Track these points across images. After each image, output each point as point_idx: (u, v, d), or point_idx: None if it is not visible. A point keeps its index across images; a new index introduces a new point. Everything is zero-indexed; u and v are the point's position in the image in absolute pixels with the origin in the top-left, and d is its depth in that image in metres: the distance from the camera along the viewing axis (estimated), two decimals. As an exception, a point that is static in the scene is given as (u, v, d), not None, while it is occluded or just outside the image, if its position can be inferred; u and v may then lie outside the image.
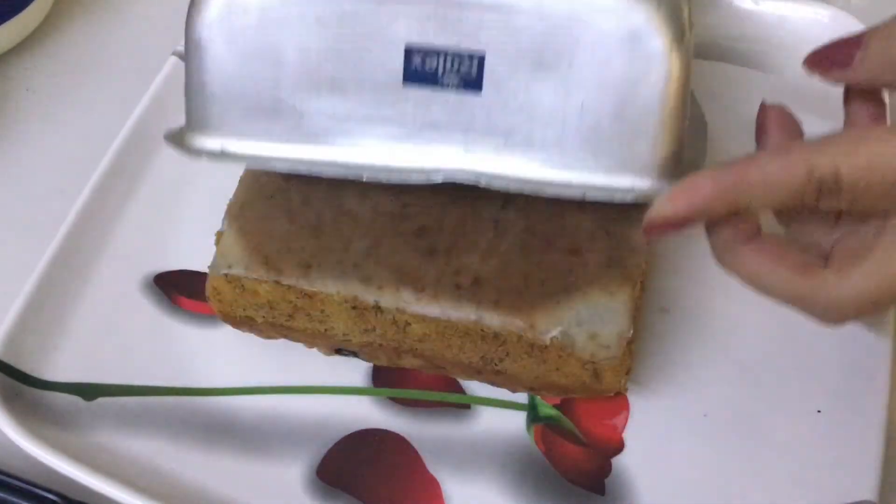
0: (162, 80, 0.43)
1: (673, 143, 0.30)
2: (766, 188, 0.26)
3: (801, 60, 0.45)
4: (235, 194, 0.35)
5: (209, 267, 0.34)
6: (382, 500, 0.33)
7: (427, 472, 0.34)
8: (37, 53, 0.50)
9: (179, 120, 0.44)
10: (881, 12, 0.49)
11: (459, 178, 0.30)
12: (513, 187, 0.30)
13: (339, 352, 0.36)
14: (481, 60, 0.29)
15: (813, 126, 0.42)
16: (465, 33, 0.29)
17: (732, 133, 0.42)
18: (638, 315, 0.32)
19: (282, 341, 0.36)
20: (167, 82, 0.44)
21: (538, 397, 0.35)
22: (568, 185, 0.30)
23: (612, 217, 0.33)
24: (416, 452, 0.34)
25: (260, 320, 0.34)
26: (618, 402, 0.35)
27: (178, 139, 0.33)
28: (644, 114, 0.30)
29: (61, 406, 0.35)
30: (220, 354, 0.37)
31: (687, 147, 0.31)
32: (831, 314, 0.27)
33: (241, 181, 0.36)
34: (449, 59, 0.29)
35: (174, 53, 0.45)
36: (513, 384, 0.34)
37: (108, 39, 0.50)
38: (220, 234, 0.35)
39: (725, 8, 0.46)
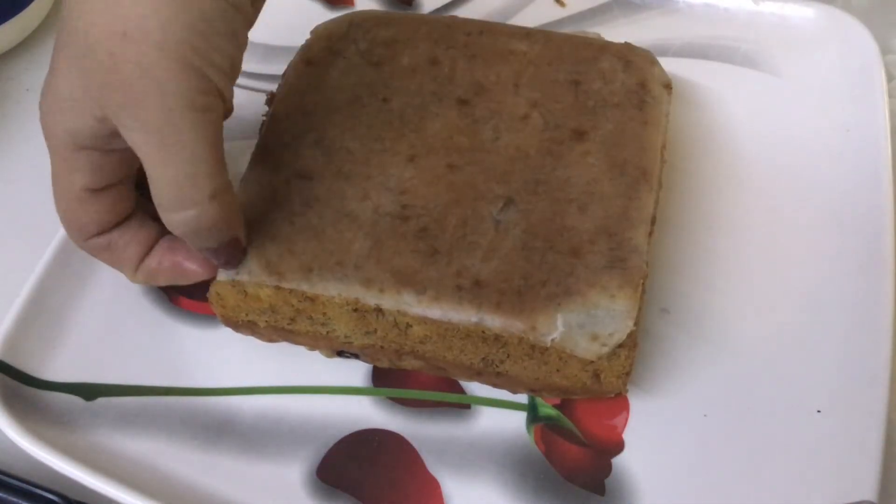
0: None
1: None
2: None
3: (801, 60, 0.45)
4: (238, 194, 0.35)
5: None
6: (382, 500, 0.33)
7: (427, 472, 0.34)
8: (37, 53, 0.50)
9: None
10: (881, 12, 0.49)
11: None
12: None
13: (340, 354, 0.36)
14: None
15: (813, 125, 0.42)
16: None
17: (732, 133, 0.42)
18: (638, 316, 0.32)
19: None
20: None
21: (538, 397, 0.35)
22: None
23: (614, 218, 0.33)
24: (416, 452, 0.34)
25: (262, 324, 0.34)
26: (618, 402, 0.35)
27: None
28: None
29: (61, 406, 0.35)
30: (220, 354, 0.37)
31: None
32: None
33: (241, 183, 0.36)
34: None
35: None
36: (513, 385, 0.34)
37: (107, 39, 0.50)
38: None
39: (725, 8, 0.46)
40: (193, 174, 0.28)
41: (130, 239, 0.33)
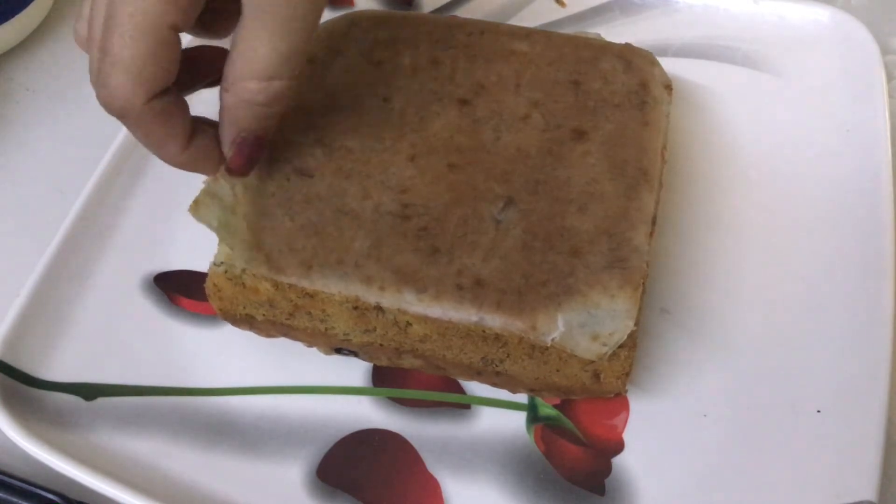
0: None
1: None
2: None
3: (801, 60, 0.45)
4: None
5: (211, 263, 0.34)
6: (382, 500, 0.33)
7: (427, 472, 0.34)
8: (37, 53, 0.50)
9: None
10: (881, 12, 0.50)
11: None
12: None
13: (338, 351, 0.36)
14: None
15: (813, 125, 0.42)
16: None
17: (733, 133, 0.42)
18: (638, 316, 0.32)
19: (282, 341, 0.36)
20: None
21: (538, 397, 0.35)
22: None
23: (614, 218, 0.33)
24: (416, 452, 0.34)
25: (260, 318, 0.34)
26: (618, 402, 0.35)
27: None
28: None
29: (61, 406, 0.35)
30: (220, 354, 0.37)
31: None
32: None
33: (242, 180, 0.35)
34: None
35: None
36: (513, 385, 0.34)
37: (107, 39, 0.50)
38: None
39: (725, 8, 0.46)
40: (297, 51, 0.29)
41: (184, 108, 0.31)
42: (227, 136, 0.31)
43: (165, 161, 0.31)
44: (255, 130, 0.31)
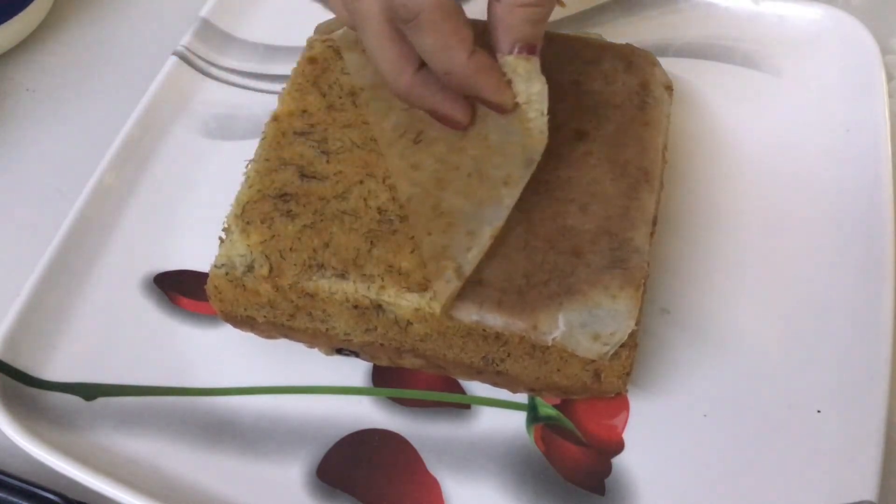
0: (162, 80, 0.44)
1: None
2: None
3: (801, 60, 0.45)
4: (240, 192, 0.35)
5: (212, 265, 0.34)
6: (382, 500, 0.33)
7: (427, 472, 0.34)
8: (37, 53, 0.50)
9: (179, 119, 0.44)
10: (881, 12, 0.49)
11: None
12: None
13: (339, 352, 0.36)
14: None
15: (813, 125, 0.42)
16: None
17: (733, 133, 0.42)
18: (639, 316, 0.32)
19: (282, 341, 0.36)
20: (167, 82, 0.44)
21: (538, 397, 0.35)
22: None
23: (615, 219, 0.33)
24: (416, 452, 0.34)
25: (261, 320, 0.34)
26: (618, 402, 0.35)
27: None
28: None
29: (61, 406, 0.35)
30: (220, 354, 0.37)
31: None
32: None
33: (246, 179, 0.36)
34: None
35: (174, 53, 0.45)
36: (513, 385, 0.34)
37: (108, 39, 0.50)
38: (228, 232, 0.34)
39: (726, 8, 0.46)
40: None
41: (467, 17, 0.32)
42: (505, 46, 0.32)
43: (452, 69, 0.32)
44: (529, 38, 0.32)
